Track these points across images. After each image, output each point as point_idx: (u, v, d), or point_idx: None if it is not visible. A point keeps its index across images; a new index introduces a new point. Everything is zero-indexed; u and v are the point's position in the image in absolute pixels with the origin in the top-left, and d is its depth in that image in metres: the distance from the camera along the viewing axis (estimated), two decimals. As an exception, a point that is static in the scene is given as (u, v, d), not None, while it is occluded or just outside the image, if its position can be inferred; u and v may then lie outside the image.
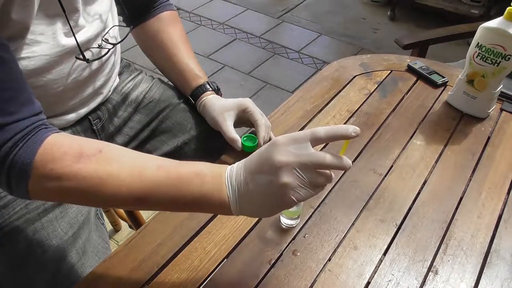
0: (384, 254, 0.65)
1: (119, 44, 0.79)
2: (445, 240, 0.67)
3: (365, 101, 0.95)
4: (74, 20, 0.65)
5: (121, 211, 1.37)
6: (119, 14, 0.81)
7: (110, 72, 0.80)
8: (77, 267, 0.69)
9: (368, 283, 0.61)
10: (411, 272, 0.62)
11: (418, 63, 1.04)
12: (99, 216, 0.80)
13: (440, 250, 0.65)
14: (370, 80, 1.01)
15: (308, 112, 0.91)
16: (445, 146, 0.84)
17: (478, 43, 0.83)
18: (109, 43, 0.74)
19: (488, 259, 0.64)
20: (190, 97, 0.85)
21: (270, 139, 0.79)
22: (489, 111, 0.90)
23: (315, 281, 0.61)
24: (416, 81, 1.01)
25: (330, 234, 0.67)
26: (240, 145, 0.77)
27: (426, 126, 0.89)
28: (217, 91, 0.86)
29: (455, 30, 1.43)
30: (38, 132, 0.51)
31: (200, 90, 0.84)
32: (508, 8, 0.78)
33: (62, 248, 0.68)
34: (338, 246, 0.65)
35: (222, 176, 0.51)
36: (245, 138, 0.79)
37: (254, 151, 0.53)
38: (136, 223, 1.13)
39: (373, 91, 0.98)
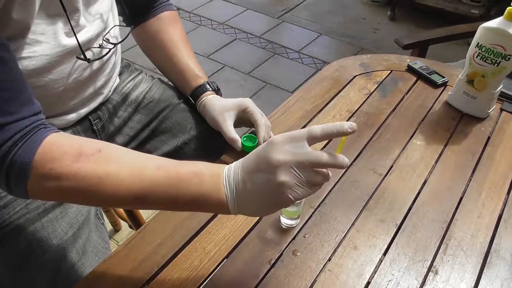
0: (384, 254, 0.65)
1: (119, 44, 0.79)
2: (445, 240, 0.67)
3: (365, 101, 0.95)
4: (75, 20, 0.65)
5: (121, 211, 1.37)
6: (119, 14, 0.81)
7: (111, 72, 0.80)
8: (77, 267, 0.69)
9: (368, 283, 0.61)
10: (411, 272, 0.62)
11: (418, 63, 1.04)
12: (99, 216, 0.80)
13: (440, 250, 0.65)
14: (370, 80, 1.01)
15: (308, 112, 0.91)
16: (445, 146, 0.84)
17: (478, 43, 0.83)
18: (110, 43, 0.74)
19: (488, 259, 0.64)
20: (190, 97, 0.85)
21: (270, 139, 0.79)
22: (489, 111, 0.90)
23: (315, 281, 0.61)
24: (416, 81, 1.01)
25: (330, 234, 0.67)
26: (240, 145, 0.77)
27: (426, 126, 0.89)
28: (217, 91, 0.86)
29: (455, 30, 1.43)
30: (37, 132, 0.51)
31: (200, 90, 0.84)
32: (508, 8, 0.78)
33: (62, 248, 0.68)
34: (338, 246, 0.65)
35: (220, 176, 0.51)
36: (245, 138, 0.79)
37: None
38: (136, 223, 1.13)
39: (373, 91, 0.98)
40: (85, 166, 0.50)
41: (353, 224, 0.69)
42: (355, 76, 1.02)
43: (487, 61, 0.83)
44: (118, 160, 0.52)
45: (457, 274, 0.62)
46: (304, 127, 0.88)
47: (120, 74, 0.89)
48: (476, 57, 0.84)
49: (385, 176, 0.77)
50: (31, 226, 0.67)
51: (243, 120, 0.81)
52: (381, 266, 0.63)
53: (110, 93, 0.84)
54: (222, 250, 0.64)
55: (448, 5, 2.62)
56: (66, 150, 0.50)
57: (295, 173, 0.47)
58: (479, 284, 0.61)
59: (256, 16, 2.91)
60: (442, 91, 0.98)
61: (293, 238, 0.67)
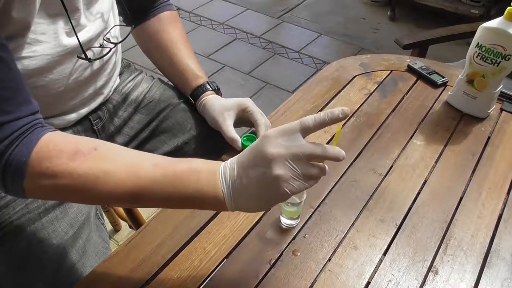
0: (384, 254, 0.65)
1: (120, 44, 0.79)
2: (445, 240, 0.67)
3: (365, 101, 0.95)
4: (76, 20, 0.65)
5: (121, 211, 1.37)
6: (119, 14, 0.81)
7: (111, 72, 0.80)
8: (77, 267, 0.69)
9: (368, 283, 0.61)
10: (411, 272, 0.62)
11: (418, 63, 1.04)
12: (99, 216, 0.80)
13: (440, 250, 0.65)
14: (370, 80, 1.01)
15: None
16: (445, 146, 0.84)
17: (478, 43, 0.83)
18: (111, 42, 0.74)
19: (488, 259, 0.64)
20: (190, 97, 0.85)
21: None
22: (489, 111, 0.90)
23: (315, 281, 0.61)
24: (416, 81, 1.01)
25: (330, 234, 0.67)
26: (240, 145, 0.77)
27: (426, 126, 0.89)
28: (217, 91, 0.86)
29: (455, 30, 1.43)
30: (34, 131, 0.51)
31: (200, 90, 0.84)
32: (508, 8, 0.78)
33: (62, 248, 0.68)
34: (338, 246, 0.65)
35: (216, 172, 0.51)
36: (245, 138, 0.79)
37: None
38: (136, 223, 1.12)
39: (373, 91, 0.98)
40: (82, 164, 0.50)
41: (353, 224, 0.69)
42: (355, 76, 1.02)
43: (487, 61, 0.83)
44: (114, 158, 0.52)
45: (457, 274, 0.62)
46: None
47: (120, 74, 0.89)
48: (476, 57, 0.84)
49: (385, 176, 0.77)
50: (31, 226, 0.67)
51: (243, 120, 0.81)
52: (381, 266, 0.63)
53: (111, 93, 0.84)
54: (222, 250, 0.64)
55: (448, 5, 2.62)
56: (62, 149, 0.50)
57: (290, 166, 0.47)
58: (479, 284, 0.61)
59: (256, 16, 2.91)
60: (442, 91, 0.98)
61: (293, 238, 0.67)
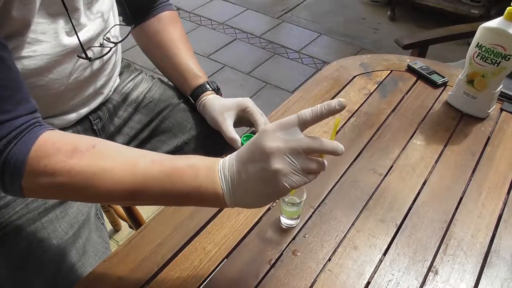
0: (384, 254, 0.65)
1: (120, 44, 0.79)
2: (445, 240, 0.67)
3: (365, 101, 0.95)
4: (76, 19, 0.65)
5: (121, 211, 1.37)
6: (119, 14, 0.81)
7: (111, 72, 0.80)
8: (77, 267, 0.69)
9: (368, 283, 0.61)
10: (411, 272, 0.62)
11: (418, 63, 1.04)
12: (99, 216, 0.80)
13: (440, 250, 0.65)
14: (370, 80, 1.01)
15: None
16: (445, 146, 0.84)
17: (478, 43, 0.83)
18: (111, 42, 0.74)
19: (488, 259, 0.64)
20: (190, 97, 0.85)
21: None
22: (489, 111, 0.90)
23: (315, 281, 0.61)
24: (416, 81, 1.01)
25: (330, 234, 0.67)
26: (240, 145, 0.77)
27: (426, 126, 0.89)
28: (217, 91, 0.86)
29: (455, 30, 1.43)
30: (32, 130, 0.51)
31: (200, 90, 0.84)
32: (508, 8, 0.78)
33: (62, 248, 0.68)
34: (338, 246, 0.65)
35: (215, 169, 0.51)
36: (245, 138, 0.79)
37: None
38: (136, 223, 1.12)
39: (373, 91, 0.98)
40: (80, 162, 0.50)
41: (353, 224, 0.69)
42: (355, 76, 1.02)
43: (487, 61, 0.83)
44: (112, 156, 0.52)
45: (457, 274, 0.62)
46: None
47: (120, 74, 0.89)
48: (476, 57, 0.84)
49: (385, 176, 0.77)
50: (31, 226, 0.67)
51: (243, 119, 0.81)
52: (381, 266, 0.63)
53: (111, 93, 0.84)
54: (222, 250, 0.64)
55: (448, 5, 2.62)
56: (60, 147, 0.50)
57: (289, 160, 0.47)
58: (479, 284, 0.61)
59: (256, 16, 2.91)
60: (442, 91, 0.98)
61: (293, 238, 0.67)
